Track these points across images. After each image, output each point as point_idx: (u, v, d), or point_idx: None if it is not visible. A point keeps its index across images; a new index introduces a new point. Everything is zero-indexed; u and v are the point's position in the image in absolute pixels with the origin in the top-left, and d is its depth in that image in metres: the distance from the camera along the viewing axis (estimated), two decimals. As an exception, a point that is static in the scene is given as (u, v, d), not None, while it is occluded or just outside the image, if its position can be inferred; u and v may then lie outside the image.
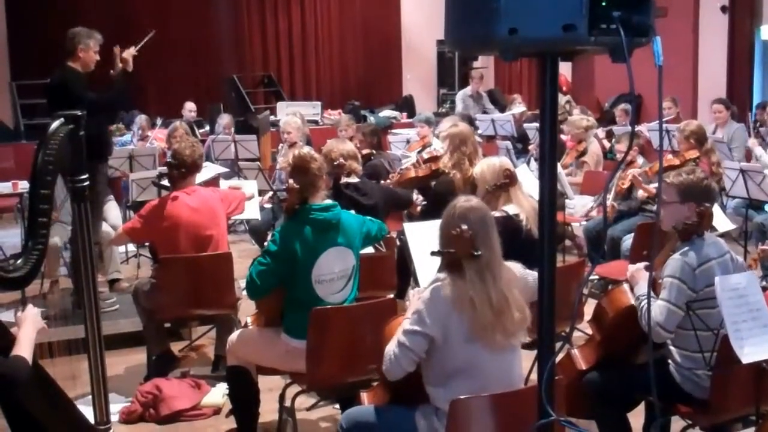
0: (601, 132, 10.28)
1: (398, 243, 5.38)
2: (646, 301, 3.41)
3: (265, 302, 4.07)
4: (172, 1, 14.00)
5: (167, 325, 5.43)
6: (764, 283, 5.29)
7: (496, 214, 4.14)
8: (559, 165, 7.70)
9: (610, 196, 6.77)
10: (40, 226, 3.08)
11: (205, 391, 4.83)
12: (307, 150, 4.22)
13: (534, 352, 2.18)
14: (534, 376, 2.35)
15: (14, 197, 8.43)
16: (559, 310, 1.93)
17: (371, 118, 13.41)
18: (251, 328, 4.20)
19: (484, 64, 15.34)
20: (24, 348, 2.87)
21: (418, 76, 15.80)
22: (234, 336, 4.20)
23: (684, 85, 12.43)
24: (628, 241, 6.13)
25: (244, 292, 4.21)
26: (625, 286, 3.66)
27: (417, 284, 4.01)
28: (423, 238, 3.97)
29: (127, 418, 4.65)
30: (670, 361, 3.53)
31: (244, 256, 7.18)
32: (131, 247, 8.03)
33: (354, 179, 5.45)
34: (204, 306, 5.01)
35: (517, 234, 4.27)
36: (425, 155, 6.36)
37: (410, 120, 12.73)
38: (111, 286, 6.78)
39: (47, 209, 3.11)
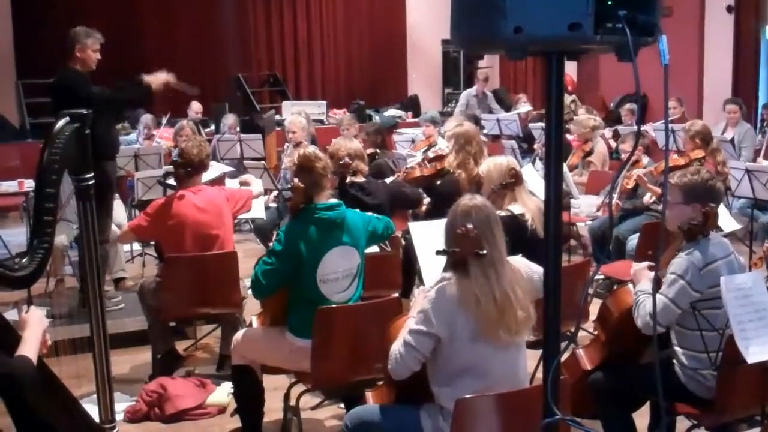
0: (607, 132, 10.27)
1: (403, 242, 5.39)
2: (643, 295, 3.42)
3: (270, 301, 4.08)
4: (178, 1, 14.01)
5: (172, 324, 5.43)
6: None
7: (501, 213, 4.14)
8: (564, 165, 7.70)
9: (615, 196, 6.76)
10: (45, 225, 3.08)
11: (210, 390, 4.84)
12: (312, 149, 4.22)
13: (539, 352, 2.18)
14: (539, 375, 2.35)
15: (20, 196, 8.44)
16: (563, 310, 1.93)
17: (376, 118, 13.40)
18: (256, 327, 4.20)
19: (490, 64, 15.32)
20: (29, 348, 2.86)
21: (423, 75, 15.79)
22: (239, 335, 4.20)
23: (689, 85, 12.42)
24: (633, 240, 6.12)
25: (250, 292, 4.22)
26: (630, 286, 3.66)
27: (422, 283, 4.01)
28: (428, 238, 3.97)
29: (132, 417, 4.66)
30: (675, 361, 3.53)
31: (249, 256, 7.19)
32: (136, 246, 8.05)
33: (359, 179, 5.46)
34: (209, 305, 5.01)
35: (522, 233, 4.27)
36: (430, 154, 6.36)
37: (416, 119, 12.73)
38: (116, 285, 6.79)
39: (52, 208, 3.11)
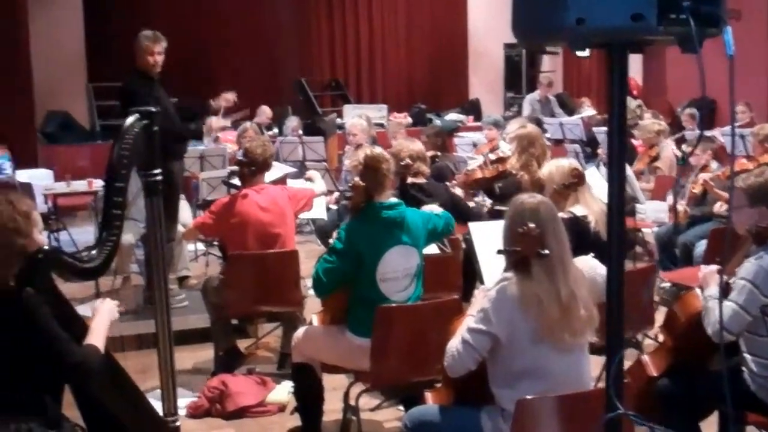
0: (672, 139, 10.09)
1: (464, 245, 5.36)
2: (712, 301, 3.33)
3: (330, 300, 4.09)
4: (242, 7, 14.20)
5: (234, 322, 5.50)
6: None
7: (563, 215, 4.10)
8: (629, 169, 7.58)
9: (684, 202, 6.63)
10: (114, 219, 3.15)
11: (271, 388, 4.87)
12: (379, 150, 4.22)
13: (603, 358, 2.14)
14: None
15: (89, 195, 8.64)
16: (627, 314, 1.89)
17: (437, 122, 13.39)
18: (316, 325, 4.22)
19: (553, 68, 15.20)
20: (96, 337, 2.92)
21: (484, 79, 15.72)
22: (299, 333, 4.23)
23: (758, 91, 12.11)
24: (701, 247, 5.99)
25: (311, 291, 4.25)
26: (698, 291, 3.58)
27: (483, 284, 3.99)
28: (489, 238, 3.94)
29: (194, 412, 4.73)
30: (744, 368, 3.43)
31: (310, 257, 7.23)
32: (200, 246, 8.19)
33: (420, 180, 5.46)
34: (270, 303, 5.06)
35: (585, 235, 4.21)
36: (492, 157, 6.32)
37: (477, 123, 12.67)
38: (180, 284, 6.89)
39: (121, 202, 3.17)
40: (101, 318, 3.02)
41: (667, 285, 6.24)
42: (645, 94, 13.92)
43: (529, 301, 2.91)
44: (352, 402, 4.04)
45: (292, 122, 10.52)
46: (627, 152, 2.00)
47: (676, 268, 6.11)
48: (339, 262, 3.88)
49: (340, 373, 4.26)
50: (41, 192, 8.45)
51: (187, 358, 5.50)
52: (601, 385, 3.07)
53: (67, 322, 2.95)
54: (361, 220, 3.93)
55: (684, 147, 9.29)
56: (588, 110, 11.71)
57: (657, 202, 7.57)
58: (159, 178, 3.42)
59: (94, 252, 3.08)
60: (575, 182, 4.49)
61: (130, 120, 3.28)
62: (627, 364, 2.69)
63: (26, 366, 2.75)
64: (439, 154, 7.44)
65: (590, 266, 3.23)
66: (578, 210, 4.43)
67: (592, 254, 3.44)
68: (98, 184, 7.94)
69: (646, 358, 3.67)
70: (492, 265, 3.74)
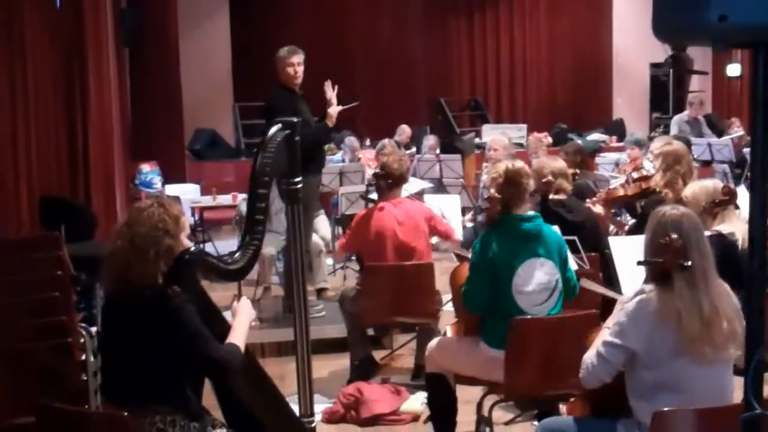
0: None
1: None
2: None
3: (464, 311, 4.11)
4: (384, 26, 14.49)
5: (370, 333, 5.59)
6: None
7: (708, 233, 3.98)
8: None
9: None
10: (256, 224, 3.26)
11: (405, 397, 4.91)
12: (520, 164, 4.20)
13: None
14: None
15: (233, 209, 8.98)
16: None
17: (579, 142, 13.16)
18: (450, 336, 4.23)
19: (702, 88, 14.70)
20: (238, 337, 3.04)
21: (629, 99, 15.37)
22: (433, 343, 4.25)
23: None
24: None
25: (446, 307, 4.25)
26: None
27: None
28: (629, 253, 3.85)
29: (330, 418, 4.82)
30: None
31: (446, 273, 7.24)
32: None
33: (561, 196, 5.40)
34: (406, 314, 5.12)
35: (730, 253, 4.05)
36: (635, 175, 6.16)
37: (620, 144, 12.39)
38: (318, 295, 7.05)
39: (264, 208, 3.29)
40: (241, 318, 3.14)
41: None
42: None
43: (668, 314, 2.83)
44: (485, 413, 4.01)
45: (430, 141, 10.60)
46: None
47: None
48: (476, 275, 3.90)
49: (474, 384, 4.22)
50: (188, 205, 8.86)
51: (323, 366, 5.61)
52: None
53: (211, 321, 3.08)
54: (496, 232, 3.92)
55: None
56: (738, 131, 11.23)
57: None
58: (299, 186, 3.54)
59: (237, 255, 3.20)
60: (726, 200, 4.35)
61: (273, 130, 3.40)
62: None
63: (171, 361, 2.87)
64: (578, 171, 7.31)
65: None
66: (724, 228, 4.28)
67: (730, 276, 3.29)
68: (242, 198, 8.24)
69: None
70: (632, 280, 3.65)
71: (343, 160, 9.97)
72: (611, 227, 6.38)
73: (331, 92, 6.18)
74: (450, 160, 9.63)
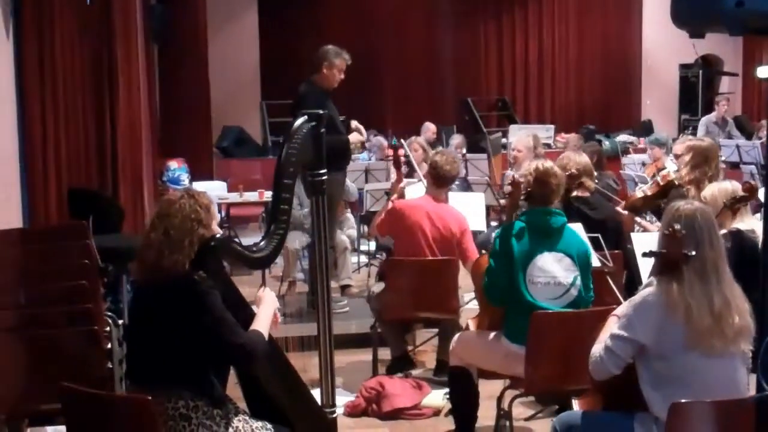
0: None
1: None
2: None
3: (487, 305, 4.12)
4: (413, 26, 14.51)
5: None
6: None
7: (725, 231, 3.99)
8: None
9: None
10: (281, 213, 3.30)
11: (426, 392, 4.94)
12: (550, 164, 4.20)
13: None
14: None
15: (260, 206, 9.04)
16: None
17: (606, 143, 13.10)
18: (473, 330, 4.26)
19: (732, 90, 14.59)
20: (262, 324, 3.07)
21: (658, 100, 15.26)
22: (456, 338, 4.29)
23: None
24: None
25: (468, 305, 4.26)
26: None
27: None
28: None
29: (352, 411, 4.87)
30: None
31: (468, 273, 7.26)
32: (363, 258, 8.40)
33: (584, 193, 5.39)
34: (428, 309, 5.14)
35: (749, 250, 4.03)
36: (658, 178, 6.13)
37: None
38: (342, 291, 7.10)
39: (289, 198, 3.32)
40: (265, 307, 3.17)
41: None
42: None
43: (675, 306, 2.84)
44: (506, 407, 4.02)
45: (456, 139, 10.62)
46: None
47: None
48: (495, 264, 3.94)
49: (496, 378, 4.23)
50: (215, 201, 8.90)
51: (346, 361, 5.65)
52: None
53: (236, 308, 3.11)
54: (517, 223, 3.95)
55: None
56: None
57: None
58: (324, 177, 3.57)
59: (262, 243, 3.24)
60: (746, 196, 4.33)
61: (299, 122, 3.44)
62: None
63: (196, 346, 2.90)
64: (595, 173, 7.28)
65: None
66: (743, 226, 4.28)
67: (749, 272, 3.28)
68: (269, 195, 8.29)
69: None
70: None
71: (370, 160, 9.99)
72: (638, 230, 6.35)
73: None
74: (476, 159, 9.64)
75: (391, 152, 10.13)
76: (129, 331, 3.27)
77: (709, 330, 2.83)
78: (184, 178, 10.21)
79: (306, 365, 5.05)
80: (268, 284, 6.15)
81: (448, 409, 4.48)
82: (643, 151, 12.11)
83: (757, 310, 2.96)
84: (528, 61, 15.28)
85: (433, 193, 5.32)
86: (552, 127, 13.70)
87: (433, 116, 12.73)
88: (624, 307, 3.05)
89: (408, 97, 14.19)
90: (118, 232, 5.52)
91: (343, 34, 12.91)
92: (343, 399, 4.92)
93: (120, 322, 4.30)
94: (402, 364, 5.37)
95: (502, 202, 7.93)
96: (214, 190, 10.11)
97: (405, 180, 6.18)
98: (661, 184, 5.52)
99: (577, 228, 4.29)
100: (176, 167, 10.74)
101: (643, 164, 9.31)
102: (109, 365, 3.90)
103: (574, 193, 5.40)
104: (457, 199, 6.56)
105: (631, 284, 5.15)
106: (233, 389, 3.25)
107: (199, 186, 10.15)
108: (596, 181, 6.94)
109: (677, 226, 2.88)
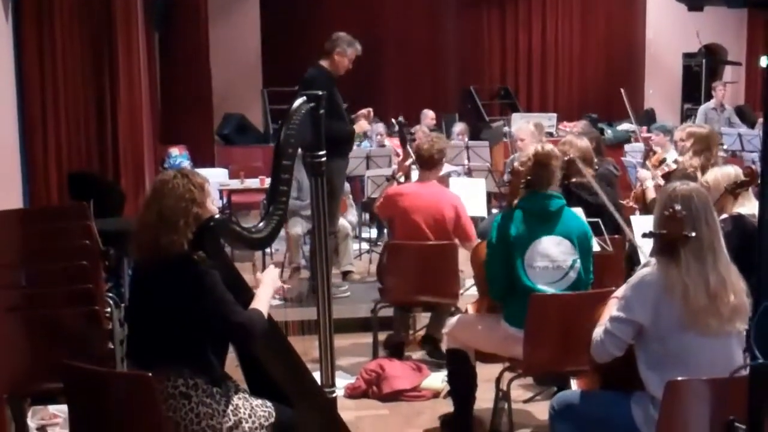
0: None
1: (627, 245, 5.24)
2: None
3: (486, 290, 4.13)
4: (415, 14, 14.48)
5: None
6: None
7: (724, 215, 3.99)
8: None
9: None
10: (280, 195, 3.31)
11: (426, 374, 4.97)
12: (550, 147, 4.21)
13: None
14: None
15: (261, 193, 9.02)
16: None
17: (608, 132, 13.10)
18: (471, 313, 4.27)
19: (735, 79, 14.56)
20: (262, 303, 3.09)
21: (661, 89, 15.23)
22: (454, 320, 4.31)
23: None
24: None
25: (470, 291, 4.27)
26: None
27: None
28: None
29: (352, 393, 4.90)
30: None
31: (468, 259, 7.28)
32: (364, 245, 8.41)
33: (583, 179, 5.39)
34: (428, 293, 5.15)
35: (750, 233, 4.03)
36: (659, 173, 6.15)
37: (650, 135, 12.30)
38: (344, 277, 7.12)
39: (288, 179, 3.33)
40: (265, 287, 3.18)
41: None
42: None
43: (673, 286, 2.86)
44: (504, 388, 4.03)
45: (458, 127, 10.61)
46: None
47: None
48: (491, 249, 3.94)
49: (494, 362, 4.24)
50: (216, 188, 8.92)
51: (347, 345, 5.67)
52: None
53: (236, 288, 3.13)
54: (516, 208, 3.95)
55: None
56: (770, 121, 11.10)
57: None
58: (323, 159, 3.58)
59: (261, 224, 3.25)
60: (748, 180, 4.33)
61: (297, 102, 3.46)
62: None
63: (195, 325, 2.92)
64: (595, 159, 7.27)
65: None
66: (744, 210, 4.27)
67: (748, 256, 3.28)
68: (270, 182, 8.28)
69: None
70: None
71: (371, 147, 9.99)
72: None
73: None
74: (478, 146, 9.62)
75: (390, 140, 10.17)
76: (129, 311, 3.28)
77: (704, 309, 2.84)
78: (186, 165, 10.22)
79: (306, 349, 5.07)
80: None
81: (447, 391, 4.50)
82: (646, 140, 12.12)
83: (753, 289, 2.98)
84: (531, 50, 15.24)
85: (422, 177, 5.39)
86: (554, 115, 13.65)
87: (435, 104, 12.73)
88: (623, 289, 3.07)
89: (410, 85, 14.17)
90: (120, 216, 5.53)
91: (345, 21, 12.89)
92: (343, 381, 4.95)
93: (122, 305, 4.33)
94: (395, 348, 5.43)
95: (503, 189, 7.97)
96: (216, 177, 10.12)
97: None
98: (665, 170, 5.53)
99: (578, 212, 4.29)
100: (177, 154, 10.77)
101: (646, 153, 9.29)
102: (110, 345, 3.93)
103: (574, 179, 5.40)
104: (457, 184, 6.59)
105: (630, 266, 5.18)
106: (234, 372, 3.28)
107: (201, 173, 10.16)
108: (596, 167, 6.96)
109: (677, 207, 2.89)
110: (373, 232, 9.23)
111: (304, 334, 5.84)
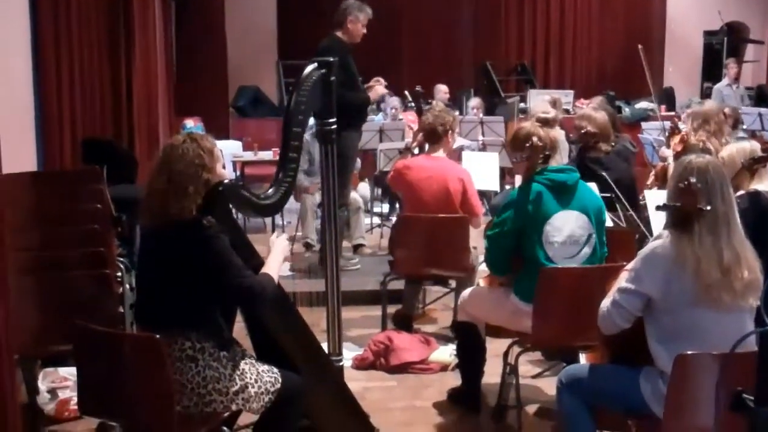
0: None
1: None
2: None
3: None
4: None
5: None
6: None
7: (741, 191, 3.96)
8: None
9: None
10: (290, 161, 3.32)
11: (434, 347, 4.97)
12: (554, 114, 4.19)
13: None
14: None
15: (274, 165, 8.99)
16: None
17: (626, 109, 13.01)
18: (483, 286, 4.27)
19: (757, 58, 14.39)
20: (272, 269, 3.09)
21: (681, 68, 15.07)
22: (466, 293, 4.28)
23: None
24: None
25: (482, 266, 4.25)
26: None
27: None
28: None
29: (359, 364, 4.91)
30: None
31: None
32: (376, 220, 8.41)
33: (599, 153, 5.37)
34: (439, 266, 5.15)
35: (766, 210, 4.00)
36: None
37: (669, 113, 12.20)
38: (355, 250, 7.12)
39: (298, 146, 3.34)
40: (275, 253, 3.18)
41: None
42: None
43: (684, 260, 2.82)
44: (512, 362, 4.03)
45: (474, 101, 10.58)
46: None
47: None
48: (507, 225, 3.86)
49: (503, 337, 4.24)
50: (230, 159, 8.94)
51: (356, 317, 5.70)
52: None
53: (244, 253, 3.14)
54: (532, 183, 3.91)
55: None
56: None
57: None
58: (334, 127, 3.56)
59: (270, 191, 3.25)
60: (765, 156, 4.28)
61: (308, 69, 3.44)
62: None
63: (204, 289, 2.92)
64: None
65: None
66: (762, 186, 4.23)
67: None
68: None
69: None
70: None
71: (385, 120, 9.96)
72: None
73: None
74: (492, 121, 9.58)
75: (404, 114, 10.12)
76: (138, 273, 3.29)
77: (717, 284, 2.81)
78: (200, 136, 10.21)
79: (315, 320, 5.08)
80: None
81: (455, 364, 4.50)
82: (665, 119, 12.00)
83: (767, 266, 2.95)
84: (549, 26, 15.10)
85: (429, 151, 5.37)
86: (571, 92, 13.56)
87: (451, 79, 12.64)
88: (634, 261, 3.04)
89: (426, 59, 14.07)
90: (133, 184, 5.54)
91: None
92: (351, 353, 4.96)
93: (133, 271, 4.35)
94: (404, 322, 5.44)
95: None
96: (229, 148, 10.13)
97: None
98: (677, 150, 5.49)
99: (592, 188, 4.26)
100: (192, 126, 10.75)
101: (663, 129, 9.20)
102: (121, 309, 3.95)
103: (591, 154, 5.38)
104: (470, 158, 6.56)
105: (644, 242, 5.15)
106: (244, 341, 3.29)
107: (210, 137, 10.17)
108: (613, 143, 6.91)
109: (692, 180, 2.86)
110: (385, 207, 9.22)
111: (312, 305, 5.88)
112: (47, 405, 4.04)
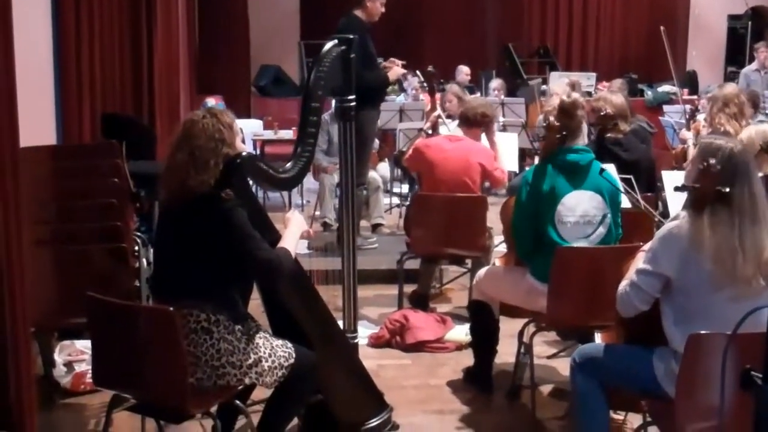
0: None
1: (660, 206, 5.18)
2: None
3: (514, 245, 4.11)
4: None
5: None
6: None
7: (762, 174, 3.90)
8: None
9: None
10: (308, 136, 3.32)
11: (450, 327, 4.97)
12: (576, 96, 4.15)
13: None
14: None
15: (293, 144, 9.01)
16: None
17: (648, 93, 12.90)
18: (498, 265, 4.26)
19: (783, 41, 14.19)
20: (289, 243, 3.09)
21: (704, 51, 14.91)
22: (481, 272, 4.28)
23: None
24: None
25: (499, 247, 4.24)
26: None
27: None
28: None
29: (375, 342, 4.92)
30: None
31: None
32: (395, 200, 8.41)
33: (618, 135, 5.33)
34: (456, 245, 5.15)
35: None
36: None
37: (692, 97, 12.08)
38: (373, 230, 7.14)
39: (316, 121, 3.34)
40: (292, 228, 3.19)
41: None
42: None
43: (701, 241, 2.78)
44: (527, 341, 4.03)
45: (495, 82, 10.54)
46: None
47: None
48: (522, 206, 3.88)
49: (518, 316, 4.22)
50: (250, 138, 8.96)
51: (372, 295, 5.71)
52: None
53: (263, 227, 3.14)
54: (547, 162, 3.89)
55: None
56: (817, 85, 10.84)
57: None
58: (353, 104, 3.56)
59: (288, 165, 3.26)
60: None
61: (328, 45, 3.44)
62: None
63: (221, 262, 2.93)
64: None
65: None
66: (781, 170, 4.19)
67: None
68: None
69: None
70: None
71: (407, 100, 9.93)
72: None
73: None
74: (513, 103, 9.54)
75: (424, 95, 10.08)
76: (155, 249, 3.31)
77: (733, 267, 2.77)
78: (221, 115, 10.23)
79: (331, 298, 5.09)
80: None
81: (469, 342, 4.50)
82: (687, 102, 11.89)
83: None
84: (572, 8, 14.96)
85: (460, 132, 5.39)
86: (593, 75, 13.43)
87: (473, 60, 12.58)
88: (651, 242, 3.01)
89: (448, 40, 14.00)
90: (153, 160, 5.56)
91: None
92: (367, 331, 4.97)
93: (149, 245, 4.37)
94: (420, 301, 5.45)
95: (536, 145, 7.90)
96: (250, 127, 10.15)
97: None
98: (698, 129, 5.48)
99: (610, 169, 4.23)
100: (213, 104, 10.75)
101: (685, 111, 9.11)
102: (137, 283, 3.97)
103: (609, 135, 5.34)
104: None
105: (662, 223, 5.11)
106: (260, 317, 3.30)
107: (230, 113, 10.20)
108: (630, 124, 6.86)
109: (712, 161, 2.81)
110: (405, 187, 9.21)
111: (328, 284, 5.89)
112: (63, 378, 4.07)
